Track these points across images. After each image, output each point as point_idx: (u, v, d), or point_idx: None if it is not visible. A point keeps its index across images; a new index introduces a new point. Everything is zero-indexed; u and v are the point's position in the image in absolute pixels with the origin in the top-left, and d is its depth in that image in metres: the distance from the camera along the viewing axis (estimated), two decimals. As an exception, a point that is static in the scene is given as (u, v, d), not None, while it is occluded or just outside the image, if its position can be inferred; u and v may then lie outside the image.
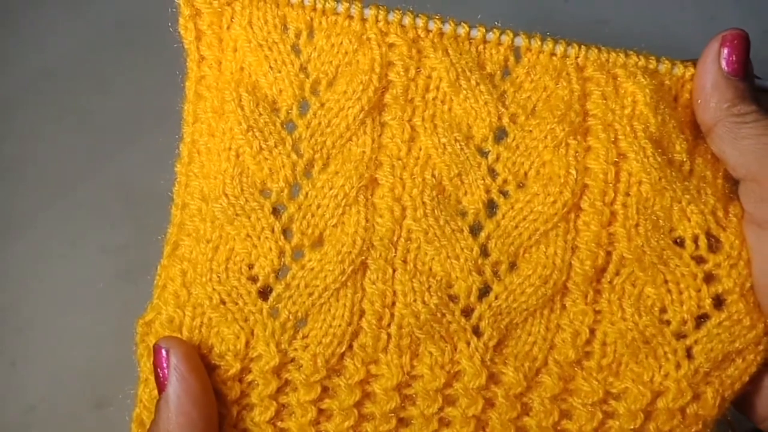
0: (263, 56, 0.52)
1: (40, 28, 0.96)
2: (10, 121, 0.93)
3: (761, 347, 0.53)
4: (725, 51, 0.52)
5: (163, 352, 0.49)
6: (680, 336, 0.52)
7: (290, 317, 0.51)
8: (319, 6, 0.51)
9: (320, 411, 0.53)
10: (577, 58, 0.53)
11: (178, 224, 0.53)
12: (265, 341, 0.51)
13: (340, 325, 0.51)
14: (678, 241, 0.53)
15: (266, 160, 0.51)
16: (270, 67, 0.52)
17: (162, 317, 0.52)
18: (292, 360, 0.52)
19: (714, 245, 0.53)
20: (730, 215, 0.53)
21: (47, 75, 0.93)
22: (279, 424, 0.52)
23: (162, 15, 0.94)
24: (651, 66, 0.53)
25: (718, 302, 0.53)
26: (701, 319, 0.53)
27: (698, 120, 0.53)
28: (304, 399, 0.52)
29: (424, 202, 0.51)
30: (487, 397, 0.53)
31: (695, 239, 0.52)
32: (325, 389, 0.52)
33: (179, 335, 0.51)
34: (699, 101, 0.53)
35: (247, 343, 0.51)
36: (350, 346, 0.52)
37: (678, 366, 0.52)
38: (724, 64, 0.52)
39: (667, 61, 0.54)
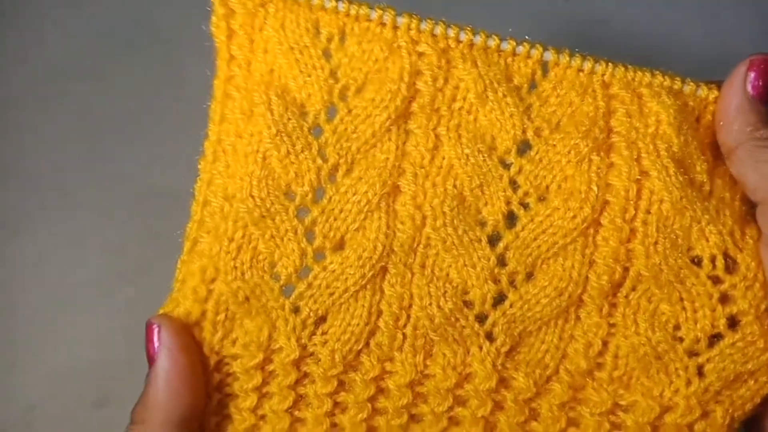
0: (294, 59, 0.52)
1: (40, 27, 0.96)
2: (11, 121, 0.93)
3: None
4: (752, 75, 0.52)
5: (155, 328, 0.52)
6: (692, 353, 0.53)
7: (311, 314, 0.53)
8: (352, 12, 0.52)
9: (336, 403, 0.55)
10: (603, 75, 0.53)
11: (198, 221, 0.54)
12: (287, 335, 0.53)
13: (358, 324, 0.53)
14: (695, 260, 0.54)
15: (292, 164, 0.52)
16: (300, 70, 0.52)
17: (180, 309, 0.54)
18: (311, 354, 0.54)
19: (731, 266, 0.54)
20: (747, 237, 0.54)
21: (48, 75, 0.93)
22: (296, 413, 0.55)
23: (163, 15, 0.94)
24: (676, 86, 0.54)
25: (733, 323, 0.53)
26: (715, 339, 0.53)
27: (720, 141, 0.54)
28: (321, 391, 0.54)
29: (444, 212, 0.52)
30: (496, 400, 0.54)
31: (712, 259, 0.53)
32: (341, 383, 0.54)
33: (197, 328, 0.54)
34: (722, 123, 0.53)
35: (270, 335, 0.53)
36: (367, 344, 0.54)
37: (688, 383, 0.53)
38: (749, 87, 0.52)
39: (691, 83, 0.54)
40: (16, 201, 0.93)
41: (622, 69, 0.53)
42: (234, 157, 0.53)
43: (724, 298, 0.53)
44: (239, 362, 0.54)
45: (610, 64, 0.53)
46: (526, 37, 0.54)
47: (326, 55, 0.53)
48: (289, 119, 0.52)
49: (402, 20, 0.52)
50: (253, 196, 0.52)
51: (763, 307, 0.53)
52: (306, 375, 0.54)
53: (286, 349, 0.53)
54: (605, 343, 0.54)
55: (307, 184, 0.53)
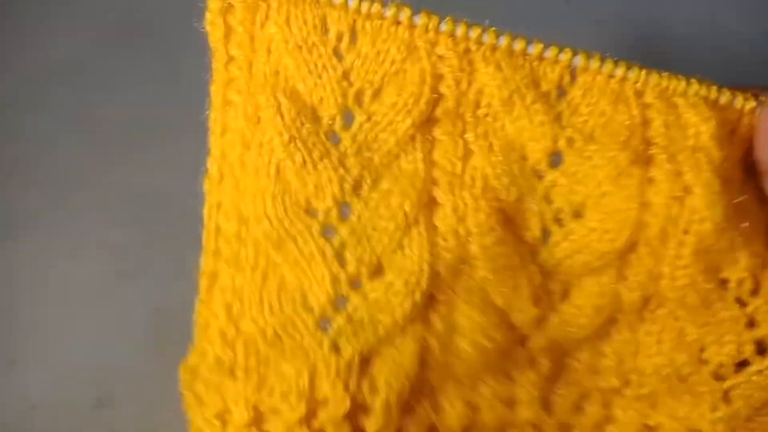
0: (302, 59, 0.46)
1: (42, 28, 0.96)
2: (12, 121, 0.93)
3: None
4: None
5: None
6: (719, 378, 0.51)
7: (356, 355, 0.45)
8: (364, 9, 0.46)
9: None
10: (636, 82, 0.49)
11: (213, 251, 0.47)
12: (331, 381, 0.44)
13: (410, 363, 0.46)
14: (722, 282, 0.51)
15: (310, 175, 0.45)
16: (309, 71, 0.46)
17: (209, 359, 0.46)
18: (360, 405, 0.45)
19: (756, 289, 0.51)
20: None
21: (50, 76, 0.93)
22: None
23: (166, 15, 0.94)
24: (712, 96, 0.49)
25: (761, 349, 0.51)
26: (742, 365, 0.51)
27: (756, 158, 0.50)
28: None
29: (492, 228, 0.47)
30: (535, 424, 0.51)
31: (740, 283, 0.50)
32: None
33: (231, 379, 0.45)
34: (761, 138, 0.49)
35: (311, 381, 0.45)
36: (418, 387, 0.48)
37: (714, 408, 0.50)
38: None
39: (727, 92, 0.50)
40: (16, 201, 0.92)
41: (657, 76, 0.49)
42: (243, 172, 0.46)
43: (752, 323, 0.50)
44: (280, 417, 0.44)
45: (643, 70, 0.49)
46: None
47: (337, 55, 0.47)
48: (302, 124, 0.45)
49: (419, 19, 0.46)
50: (269, 216, 0.45)
51: None
52: (357, 428, 0.45)
53: (333, 400, 0.44)
54: (635, 360, 0.51)
55: (330, 199, 0.45)
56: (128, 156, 0.92)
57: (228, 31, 0.46)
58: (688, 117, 0.49)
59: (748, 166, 0.51)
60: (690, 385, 0.51)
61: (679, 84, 0.49)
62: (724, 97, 0.50)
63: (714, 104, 0.50)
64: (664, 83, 0.49)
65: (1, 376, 0.88)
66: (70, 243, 0.91)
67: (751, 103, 0.50)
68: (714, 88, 0.50)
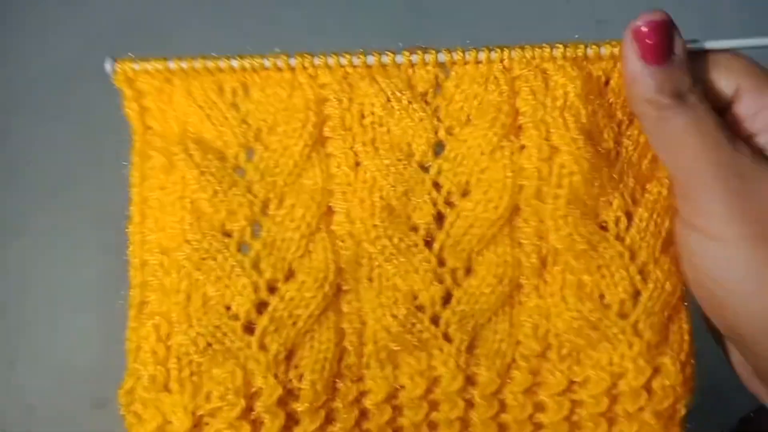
0: (205, 116, 0.55)
1: (40, 28, 0.96)
2: (10, 121, 0.93)
3: (684, 304, 0.55)
4: (639, 38, 0.49)
5: None
6: (623, 316, 0.54)
7: (281, 349, 0.52)
8: (248, 66, 0.54)
9: None
10: (502, 61, 0.54)
11: (140, 284, 0.54)
12: (263, 374, 0.52)
13: (328, 349, 0.53)
14: (602, 225, 0.54)
15: (222, 202, 0.53)
16: (212, 123, 0.55)
17: (143, 380, 0.52)
18: (290, 391, 0.53)
19: (630, 224, 0.54)
20: (647, 193, 0.54)
21: (47, 75, 0.93)
22: None
23: (163, 15, 0.94)
24: (579, 53, 0.53)
25: (645, 276, 0.54)
26: (636, 297, 0.54)
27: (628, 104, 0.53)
28: (311, 428, 0.53)
29: (375, 225, 0.53)
30: (466, 398, 0.55)
31: (617, 221, 0.54)
32: (326, 415, 0.54)
33: (166, 393, 0.51)
34: (625, 92, 0.52)
35: (244, 379, 0.52)
36: (338, 368, 0.54)
37: (630, 345, 0.53)
38: (639, 52, 0.49)
39: (594, 45, 0.54)
40: (16, 201, 0.92)
41: (519, 50, 0.53)
42: (161, 210, 0.54)
43: (633, 255, 0.54)
44: (220, 417, 0.51)
45: (506, 48, 0.54)
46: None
47: (234, 107, 0.55)
48: (210, 161, 0.53)
49: (295, 61, 0.54)
50: (188, 241, 0.52)
51: (658, 253, 0.53)
52: (290, 416, 0.53)
53: (266, 390, 0.51)
54: (548, 323, 0.54)
55: (243, 219, 0.53)
56: (127, 156, 0.92)
57: (142, 110, 0.56)
58: (557, 79, 0.53)
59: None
60: (603, 331, 0.53)
61: (544, 51, 0.53)
62: (591, 51, 0.54)
63: (583, 63, 0.54)
64: (529, 53, 0.53)
65: (1, 376, 0.88)
66: (70, 243, 0.91)
67: (619, 48, 0.53)
68: (581, 45, 0.54)
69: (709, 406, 0.57)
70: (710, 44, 0.52)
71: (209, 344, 0.52)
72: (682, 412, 0.54)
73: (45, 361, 0.85)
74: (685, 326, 0.55)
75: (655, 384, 0.54)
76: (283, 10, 0.94)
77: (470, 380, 0.55)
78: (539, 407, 0.55)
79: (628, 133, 0.54)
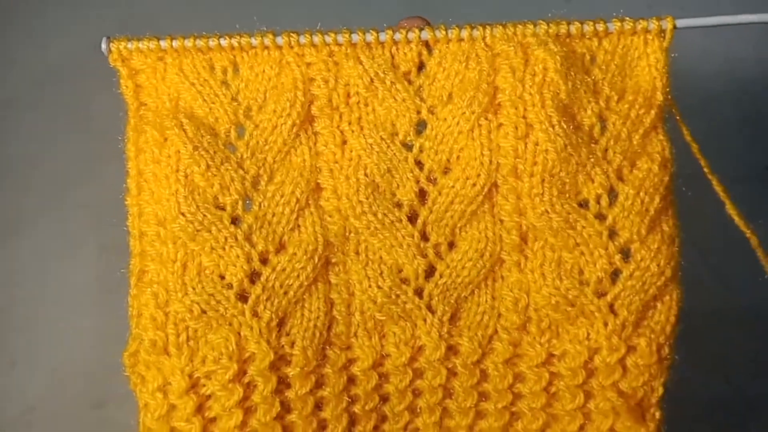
0: (196, 92, 0.57)
1: (41, 28, 0.96)
2: (11, 121, 0.93)
3: (674, 289, 0.55)
4: None
5: None
6: (601, 294, 0.55)
7: (273, 317, 0.54)
8: (236, 44, 0.56)
9: (317, 401, 0.56)
10: (484, 38, 0.55)
11: (139, 253, 0.56)
12: (255, 340, 0.54)
13: (318, 317, 0.56)
14: (583, 203, 0.55)
15: (215, 176, 0.55)
16: (204, 99, 0.57)
17: (145, 343, 0.55)
18: (282, 357, 0.55)
19: (614, 201, 0.55)
20: (635, 169, 0.55)
21: (48, 75, 0.93)
22: (285, 419, 0.56)
23: (163, 15, 0.94)
24: (562, 30, 0.55)
25: (627, 255, 0.55)
26: (616, 275, 0.55)
27: None
28: (302, 392, 0.55)
29: (360, 201, 0.55)
30: (448, 367, 0.57)
31: (598, 199, 0.55)
32: (316, 380, 0.56)
33: (166, 356, 0.54)
34: None
35: (238, 344, 0.54)
36: (328, 336, 0.56)
37: (605, 323, 0.55)
38: None
39: (577, 22, 0.55)
40: (16, 201, 0.92)
41: (501, 27, 0.55)
42: (156, 183, 0.56)
43: (612, 233, 0.55)
44: (214, 379, 0.54)
45: (488, 26, 0.55)
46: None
47: (225, 84, 0.57)
48: (203, 136, 0.55)
49: (281, 39, 0.55)
50: (183, 213, 0.54)
51: (644, 231, 0.54)
52: (281, 380, 0.55)
53: (259, 354, 0.54)
54: (528, 297, 0.56)
55: (235, 193, 0.55)
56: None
57: (137, 88, 0.58)
58: (537, 54, 0.54)
59: (622, 83, 0.55)
60: (580, 308, 0.55)
61: (526, 27, 0.55)
62: (574, 27, 0.55)
63: (566, 40, 0.55)
64: (510, 30, 0.55)
65: (1, 376, 0.88)
66: (70, 243, 0.91)
67: (602, 25, 0.55)
68: (564, 22, 0.55)
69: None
70: (681, 23, 0.54)
71: (204, 311, 0.54)
72: (660, 390, 0.56)
73: (45, 361, 0.85)
74: (674, 308, 0.55)
75: (629, 362, 0.55)
76: (283, 11, 0.94)
77: (453, 350, 0.57)
78: (519, 378, 0.57)
79: (617, 108, 0.55)
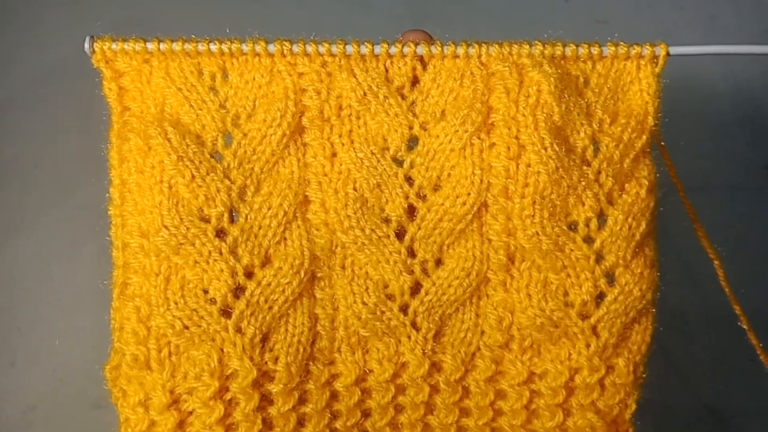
0: (183, 98, 0.55)
1: (40, 28, 0.96)
2: (11, 121, 0.93)
3: (651, 310, 0.57)
4: None
5: None
6: (584, 317, 0.56)
7: (256, 332, 0.53)
8: (226, 50, 0.54)
9: (299, 418, 0.56)
10: (479, 56, 0.54)
11: (122, 265, 0.55)
12: (238, 357, 0.53)
13: (302, 333, 0.55)
14: (572, 225, 0.56)
15: (200, 187, 0.53)
16: (191, 106, 0.55)
17: (127, 358, 0.54)
18: (265, 373, 0.54)
19: (602, 225, 0.56)
20: (624, 194, 0.55)
21: (48, 75, 0.93)
22: None
23: (162, 14, 0.94)
24: (557, 52, 0.54)
25: (611, 279, 0.56)
26: (600, 298, 0.56)
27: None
28: (285, 408, 0.55)
29: (348, 215, 0.55)
30: (431, 383, 0.57)
31: (587, 222, 0.55)
32: (299, 396, 0.56)
33: (148, 371, 0.53)
34: None
35: (220, 360, 0.53)
36: (311, 352, 0.56)
37: (587, 344, 0.56)
38: None
39: (572, 45, 0.55)
40: (16, 201, 0.92)
41: (497, 46, 0.54)
42: (140, 193, 0.54)
43: (600, 258, 0.55)
44: (195, 395, 0.53)
45: (484, 44, 0.54)
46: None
47: (213, 91, 0.55)
48: (188, 145, 0.53)
49: (274, 47, 0.54)
50: (166, 226, 0.53)
51: (629, 256, 0.55)
52: (264, 397, 0.54)
53: (242, 371, 0.53)
54: (513, 316, 0.56)
55: (220, 205, 0.53)
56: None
57: (121, 91, 0.56)
58: (532, 75, 0.54)
59: (615, 105, 0.56)
60: (563, 329, 0.56)
61: (522, 48, 0.54)
62: (570, 50, 0.55)
63: (561, 62, 0.55)
64: (506, 50, 0.54)
65: (1, 376, 0.88)
66: (70, 243, 0.91)
67: (597, 49, 0.55)
68: (559, 43, 0.55)
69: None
70: (675, 50, 0.54)
71: (186, 327, 0.53)
72: (633, 407, 0.57)
73: (45, 361, 0.85)
74: (650, 328, 0.57)
75: (608, 381, 0.56)
76: (283, 11, 0.94)
77: (436, 366, 0.57)
78: (500, 395, 0.57)
79: (610, 131, 0.55)
